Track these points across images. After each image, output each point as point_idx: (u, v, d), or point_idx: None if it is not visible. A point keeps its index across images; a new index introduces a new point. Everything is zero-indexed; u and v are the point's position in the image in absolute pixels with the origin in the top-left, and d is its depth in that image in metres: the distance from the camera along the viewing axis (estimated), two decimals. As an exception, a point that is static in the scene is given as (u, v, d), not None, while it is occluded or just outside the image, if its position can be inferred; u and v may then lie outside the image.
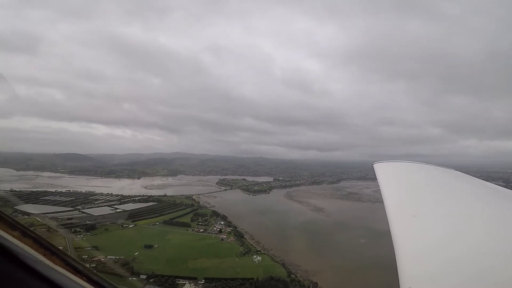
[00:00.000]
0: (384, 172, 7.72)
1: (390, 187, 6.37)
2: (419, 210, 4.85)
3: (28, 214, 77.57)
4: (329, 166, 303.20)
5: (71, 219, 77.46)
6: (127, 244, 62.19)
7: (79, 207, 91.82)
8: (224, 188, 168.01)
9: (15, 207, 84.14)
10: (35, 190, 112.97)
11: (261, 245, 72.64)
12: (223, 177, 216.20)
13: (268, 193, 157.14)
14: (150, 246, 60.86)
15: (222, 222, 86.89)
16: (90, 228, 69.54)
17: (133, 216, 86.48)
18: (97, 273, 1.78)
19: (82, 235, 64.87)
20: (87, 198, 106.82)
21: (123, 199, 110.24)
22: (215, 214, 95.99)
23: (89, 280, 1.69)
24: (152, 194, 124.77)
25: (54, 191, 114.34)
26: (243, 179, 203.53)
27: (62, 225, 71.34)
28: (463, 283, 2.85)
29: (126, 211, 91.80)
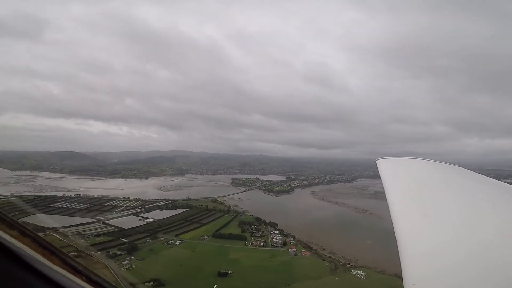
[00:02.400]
0: (388, 168, 7.19)
1: (394, 184, 5.95)
2: (425, 208, 4.49)
3: (42, 228, 59.05)
4: (334, 164, 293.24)
5: (99, 235, 59.42)
6: (190, 271, 46.11)
7: (100, 217, 73.51)
8: (244, 188, 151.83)
9: (23, 219, 65.09)
10: (39, 194, 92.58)
11: (339, 255, 59.57)
12: (234, 176, 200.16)
13: (291, 193, 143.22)
14: (224, 274, 44.97)
15: (276, 232, 72.39)
16: (131, 249, 52.31)
17: (170, 228, 69.47)
18: (97, 273, 1.71)
19: (127, 261, 47.58)
20: (104, 205, 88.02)
21: (145, 205, 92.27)
22: (261, 221, 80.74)
23: (88, 280, 1.63)
24: (175, 198, 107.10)
25: (62, 195, 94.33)
26: (256, 178, 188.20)
27: (92, 245, 53.47)
28: (473, 281, 2.65)
29: (157, 220, 74.50)
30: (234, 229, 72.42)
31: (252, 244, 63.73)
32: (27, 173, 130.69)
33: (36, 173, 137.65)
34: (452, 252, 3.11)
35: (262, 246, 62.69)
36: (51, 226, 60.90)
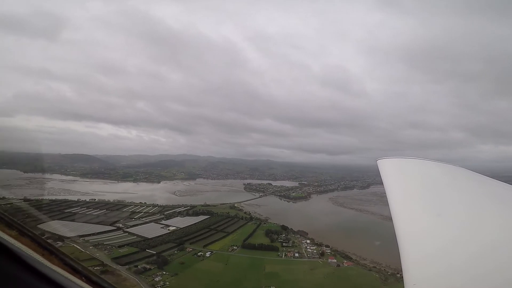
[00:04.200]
0: (388, 169, 6.87)
1: (394, 185, 5.77)
2: (427, 209, 4.39)
3: (60, 237, 53.25)
4: (343, 170, 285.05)
5: (123, 246, 53.24)
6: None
7: (120, 225, 67.36)
8: (258, 194, 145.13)
9: (39, 225, 59.38)
10: (53, 198, 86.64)
11: (383, 265, 54.33)
12: (245, 181, 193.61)
13: (309, 200, 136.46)
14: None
15: (308, 241, 66.66)
16: (161, 263, 45.95)
17: (195, 237, 63.23)
18: (96, 273, 1.69)
19: (159, 277, 41.26)
20: (121, 211, 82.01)
21: (163, 211, 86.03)
22: (288, 230, 74.34)
23: (88, 280, 1.61)
24: (193, 204, 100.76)
25: (76, 200, 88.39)
26: (269, 184, 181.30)
27: (116, 258, 47.27)
28: (475, 282, 2.59)
29: (180, 229, 68.20)
30: (261, 239, 66.21)
31: (285, 255, 57.82)
32: (38, 175, 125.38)
33: (48, 176, 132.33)
34: (454, 253, 3.03)
35: (297, 257, 57.18)
36: (69, 235, 55.06)
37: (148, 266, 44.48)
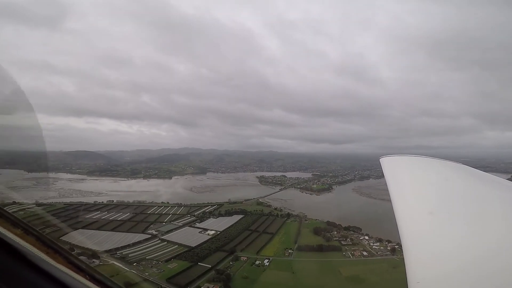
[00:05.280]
0: (391, 167, 6.74)
1: (398, 183, 5.58)
2: (429, 207, 4.26)
3: (94, 254, 44.38)
4: (350, 159, 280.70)
5: (170, 259, 44.48)
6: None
7: (154, 231, 58.47)
8: (278, 188, 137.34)
9: (62, 237, 49.99)
10: (67, 201, 76.86)
11: None
12: (258, 174, 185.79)
13: (333, 192, 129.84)
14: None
15: (366, 237, 60.34)
16: (226, 280, 37.56)
17: (241, 242, 55.09)
18: (100, 271, 1.70)
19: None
20: (146, 213, 72.87)
21: (192, 212, 77.40)
22: (335, 226, 67.07)
23: (92, 278, 1.62)
24: (216, 201, 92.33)
25: (93, 202, 78.96)
26: (283, 176, 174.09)
27: (170, 278, 38.52)
28: (479, 284, 2.52)
29: (220, 232, 59.84)
30: (312, 238, 59.13)
31: (352, 254, 50.75)
32: (44, 174, 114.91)
33: (53, 175, 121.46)
34: (458, 253, 2.97)
35: (366, 256, 50.88)
36: (101, 249, 46.03)
37: (211, 286, 36.08)
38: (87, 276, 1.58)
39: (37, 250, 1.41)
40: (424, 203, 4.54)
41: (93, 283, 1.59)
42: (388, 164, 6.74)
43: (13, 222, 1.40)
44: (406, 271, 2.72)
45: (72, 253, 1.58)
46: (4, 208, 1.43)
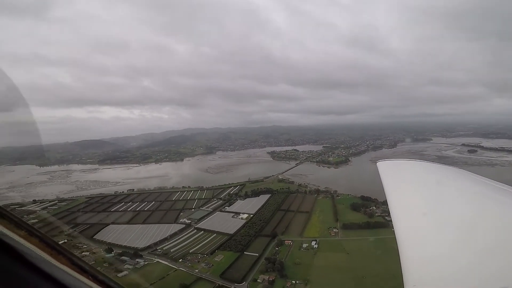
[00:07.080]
0: (388, 170, 6.88)
1: (394, 187, 5.76)
2: (425, 211, 4.31)
3: (136, 253, 41.20)
4: (355, 129, 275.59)
5: (214, 251, 41.34)
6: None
7: (186, 219, 55.30)
8: (294, 163, 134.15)
9: (94, 236, 46.92)
10: (87, 194, 73.48)
11: None
12: (268, 149, 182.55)
13: (350, 164, 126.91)
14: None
15: None
16: (280, 269, 34.45)
17: (278, 224, 52.03)
18: (103, 272, 1.68)
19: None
20: (171, 200, 69.69)
21: (217, 195, 74.29)
22: (371, 200, 64.27)
23: (95, 279, 1.63)
24: (237, 181, 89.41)
25: (113, 193, 75.56)
26: (294, 150, 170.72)
27: (223, 274, 35.45)
28: (476, 285, 2.55)
29: (254, 215, 56.74)
30: (352, 215, 56.93)
31: None
32: (55, 167, 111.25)
33: (65, 167, 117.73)
34: (454, 255, 2.99)
35: None
36: (141, 246, 42.66)
37: (267, 277, 33.07)
38: (90, 277, 1.57)
39: (41, 251, 1.40)
40: (420, 206, 4.66)
41: (97, 284, 1.59)
42: (385, 168, 6.93)
43: (17, 223, 1.38)
44: (402, 273, 2.74)
45: (75, 254, 1.58)
46: (7, 209, 1.39)
